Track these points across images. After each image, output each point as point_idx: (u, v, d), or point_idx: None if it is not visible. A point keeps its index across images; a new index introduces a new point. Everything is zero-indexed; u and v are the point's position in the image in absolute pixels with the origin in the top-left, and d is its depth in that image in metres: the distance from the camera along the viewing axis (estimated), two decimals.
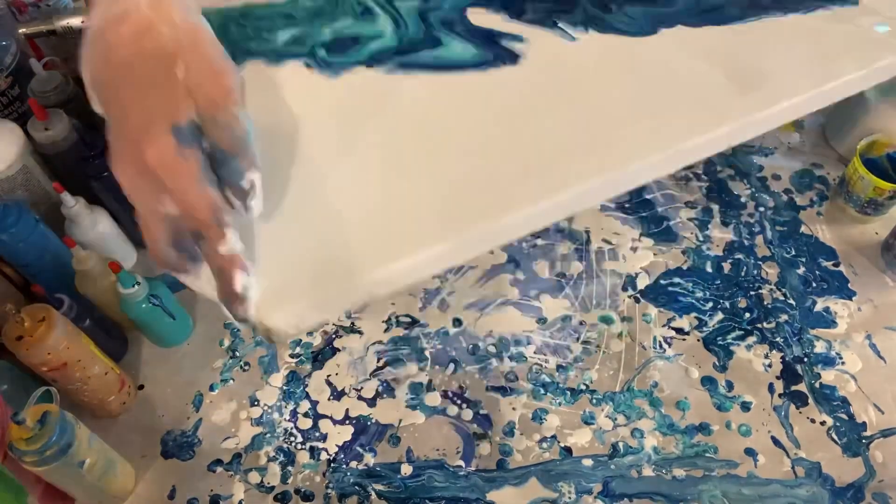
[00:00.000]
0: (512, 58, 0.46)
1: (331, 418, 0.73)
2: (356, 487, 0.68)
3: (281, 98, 0.44)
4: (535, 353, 0.77)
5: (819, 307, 0.79)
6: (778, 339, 0.76)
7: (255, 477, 0.69)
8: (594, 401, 0.73)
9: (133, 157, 0.32)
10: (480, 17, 0.48)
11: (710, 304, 0.80)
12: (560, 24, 0.47)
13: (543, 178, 0.38)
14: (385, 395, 0.74)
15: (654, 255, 0.84)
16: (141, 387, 0.76)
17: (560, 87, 0.45)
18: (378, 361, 0.77)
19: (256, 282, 0.34)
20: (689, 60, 0.46)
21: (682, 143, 0.41)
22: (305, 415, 0.73)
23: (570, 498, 0.67)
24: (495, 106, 0.43)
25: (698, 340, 0.77)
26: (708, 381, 0.74)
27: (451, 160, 0.40)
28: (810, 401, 0.72)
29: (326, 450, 0.71)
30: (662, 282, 0.82)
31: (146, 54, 0.34)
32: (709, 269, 0.83)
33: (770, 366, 0.75)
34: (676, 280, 0.82)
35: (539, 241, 0.86)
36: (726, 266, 0.83)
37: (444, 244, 0.36)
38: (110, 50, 0.34)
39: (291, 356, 0.77)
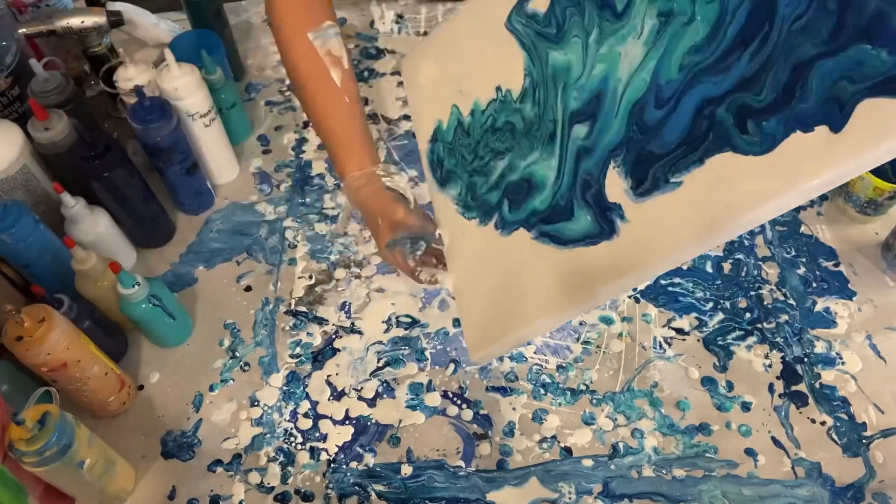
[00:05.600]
0: (610, 233, 0.54)
1: (331, 418, 0.73)
2: (356, 488, 0.68)
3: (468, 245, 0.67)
4: (535, 353, 0.76)
5: (819, 307, 0.79)
6: (778, 339, 0.76)
7: (255, 477, 0.69)
8: (594, 401, 0.73)
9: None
10: (612, 180, 0.54)
11: (711, 305, 0.80)
12: (672, 179, 0.50)
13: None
14: (385, 396, 0.74)
15: None
16: (141, 387, 0.76)
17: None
18: (378, 361, 0.77)
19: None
20: None
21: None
22: (305, 415, 0.73)
23: (570, 498, 0.67)
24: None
25: (698, 340, 0.77)
26: (708, 382, 0.74)
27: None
28: (810, 401, 0.72)
29: (326, 450, 0.71)
30: (662, 282, 0.82)
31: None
32: (709, 269, 0.83)
33: (770, 366, 0.75)
34: (676, 280, 0.82)
35: None
36: (726, 266, 0.83)
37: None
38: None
39: (291, 356, 0.77)
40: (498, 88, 0.64)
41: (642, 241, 0.52)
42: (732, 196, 0.46)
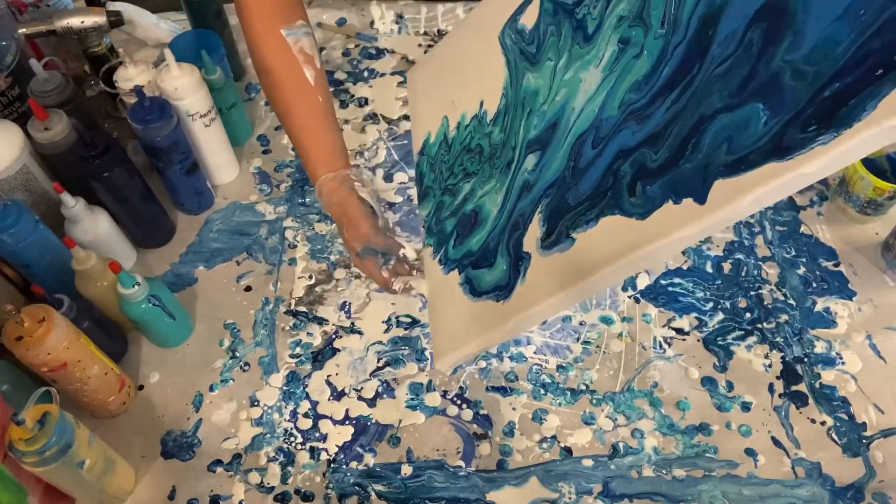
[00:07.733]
0: (508, 294, 0.57)
1: (331, 418, 0.73)
2: (356, 488, 0.68)
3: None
4: (535, 353, 0.76)
5: (819, 307, 0.79)
6: (778, 339, 0.76)
7: (255, 477, 0.69)
8: (594, 401, 0.73)
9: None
10: (534, 225, 0.55)
11: (711, 305, 0.79)
12: (571, 234, 0.51)
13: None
14: (385, 396, 0.74)
15: None
16: (141, 387, 0.76)
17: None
18: (378, 361, 0.77)
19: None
20: None
21: None
22: (305, 415, 0.73)
23: (570, 498, 0.67)
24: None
25: (698, 340, 0.77)
26: (708, 382, 0.74)
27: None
28: (810, 401, 0.72)
29: (326, 450, 0.71)
30: (662, 282, 0.82)
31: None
32: (709, 269, 0.83)
33: (770, 366, 0.75)
34: (676, 280, 0.82)
35: None
36: (726, 266, 0.83)
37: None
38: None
39: (291, 356, 0.77)
40: (481, 104, 0.64)
41: (521, 303, 0.54)
42: (604, 259, 0.48)
